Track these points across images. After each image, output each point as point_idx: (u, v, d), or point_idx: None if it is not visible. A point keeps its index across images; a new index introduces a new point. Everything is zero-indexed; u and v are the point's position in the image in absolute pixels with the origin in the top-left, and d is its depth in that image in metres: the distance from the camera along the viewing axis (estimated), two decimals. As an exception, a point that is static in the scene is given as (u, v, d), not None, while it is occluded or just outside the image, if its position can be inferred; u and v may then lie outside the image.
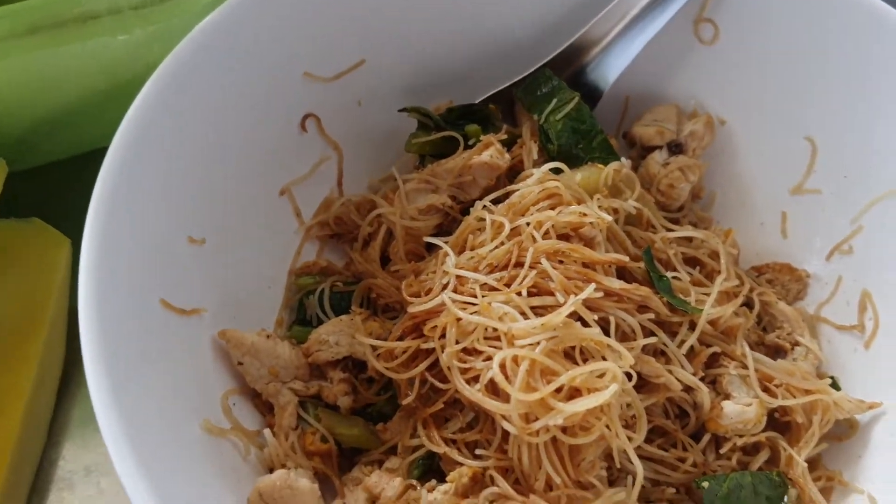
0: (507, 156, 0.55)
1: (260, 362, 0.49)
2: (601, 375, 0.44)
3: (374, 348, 0.50)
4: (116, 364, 0.40)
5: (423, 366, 0.49)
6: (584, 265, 0.50)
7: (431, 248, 0.56)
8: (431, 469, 0.49)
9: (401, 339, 0.50)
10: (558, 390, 0.43)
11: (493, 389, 0.45)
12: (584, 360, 0.46)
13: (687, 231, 0.57)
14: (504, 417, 0.44)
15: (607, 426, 0.44)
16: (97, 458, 0.56)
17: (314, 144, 0.57)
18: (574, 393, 0.44)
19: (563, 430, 0.44)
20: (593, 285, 0.46)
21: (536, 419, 0.43)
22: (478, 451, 0.46)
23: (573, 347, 0.46)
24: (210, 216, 0.50)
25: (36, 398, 0.54)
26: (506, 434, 0.46)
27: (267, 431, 0.48)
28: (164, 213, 0.47)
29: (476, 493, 0.45)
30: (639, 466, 0.44)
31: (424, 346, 0.49)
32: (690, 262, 0.57)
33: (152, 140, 0.47)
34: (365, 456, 0.51)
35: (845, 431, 0.55)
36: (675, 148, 0.60)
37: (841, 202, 0.58)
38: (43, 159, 0.65)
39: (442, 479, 0.47)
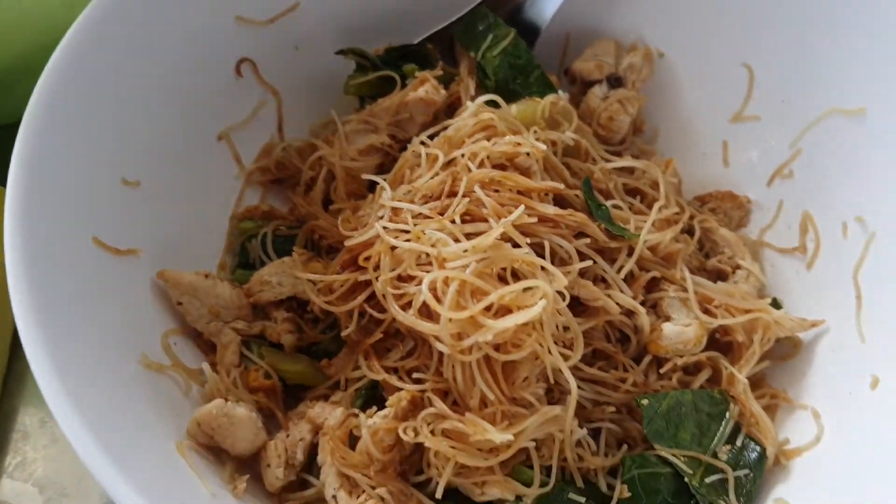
0: (442, 91, 0.56)
1: (200, 302, 0.50)
2: (533, 294, 0.45)
3: (315, 283, 0.51)
4: (44, 301, 0.40)
5: (361, 298, 0.49)
6: (520, 193, 0.50)
7: (374, 188, 0.56)
8: (374, 399, 0.49)
9: (339, 273, 0.51)
10: (488, 309, 0.44)
11: (426, 313, 0.45)
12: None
13: (626, 161, 0.57)
14: (437, 338, 0.44)
15: (540, 343, 0.44)
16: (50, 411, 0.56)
17: (251, 89, 0.57)
18: (505, 312, 0.44)
19: (497, 348, 0.44)
20: (523, 207, 0.47)
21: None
22: (416, 376, 0.47)
23: (505, 270, 0.46)
24: (144, 159, 0.50)
25: (-15, 352, 0.54)
26: (442, 357, 0.46)
27: (206, 365, 0.48)
28: (94, 155, 0.47)
29: (415, 416, 0.45)
30: (572, 382, 0.45)
31: (362, 278, 0.49)
32: (632, 193, 0.58)
33: (80, 83, 0.47)
34: (310, 392, 0.51)
35: (789, 351, 0.55)
36: (615, 81, 0.60)
37: (780, 127, 0.59)
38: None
39: (384, 408, 0.48)
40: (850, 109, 0.55)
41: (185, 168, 0.53)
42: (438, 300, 0.44)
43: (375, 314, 0.48)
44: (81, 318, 0.42)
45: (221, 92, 0.55)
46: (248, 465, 0.46)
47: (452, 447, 0.44)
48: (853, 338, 0.52)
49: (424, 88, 0.55)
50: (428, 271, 0.45)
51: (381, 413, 0.46)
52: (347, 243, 0.50)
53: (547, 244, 0.48)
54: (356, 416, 0.47)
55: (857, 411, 0.49)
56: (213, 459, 0.45)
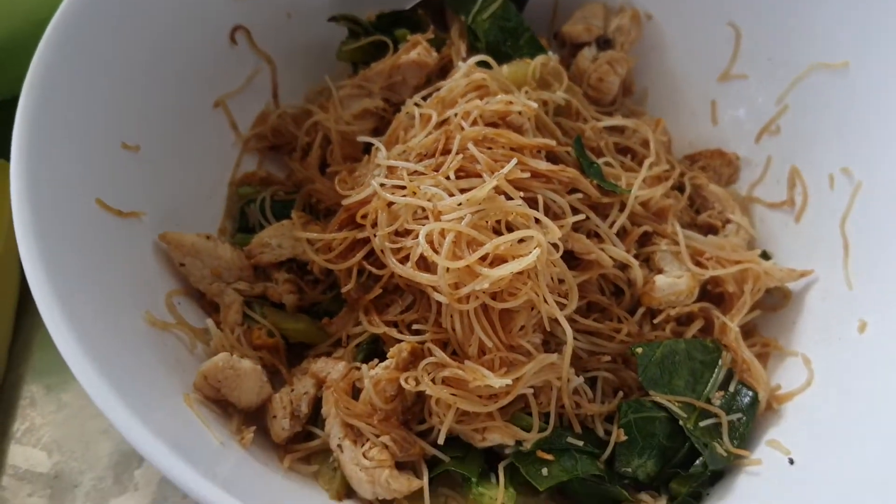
0: (434, 53, 0.56)
1: (202, 262, 0.51)
2: (527, 245, 0.46)
3: (314, 243, 0.52)
4: (53, 263, 0.40)
5: (359, 255, 0.50)
6: (512, 150, 0.51)
7: (370, 151, 0.57)
8: (375, 353, 0.50)
9: (338, 232, 0.52)
10: (484, 259, 0.45)
11: (423, 266, 0.46)
12: (512, 234, 0.48)
13: (616, 120, 0.58)
14: (435, 289, 0.45)
15: (535, 292, 0.45)
16: (57, 378, 0.57)
17: (246, 57, 0.58)
18: (500, 261, 0.45)
19: (494, 296, 0.45)
20: (515, 160, 0.48)
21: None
22: (416, 328, 0.48)
23: (500, 223, 0.47)
24: (143, 124, 0.50)
25: (-8, 319, 0.55)
26: (440, 309, 0.47)
27: (210, 322, 0.49)
28: (94, 120, 0.47)
29: (416, 366, 0.46)
30: (568, 330, 0.46)
31: (360, 235, 0.50)
32: (622, 151, 0.59)
33: (77, 51, 0.48)
34: (313, 350, 0.53)
35: (780, 302, 0.57)
36: (604, 43, 0.61)
37: (767, 84, 0.60)
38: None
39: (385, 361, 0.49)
40: (833, 64, 0.56)
41: (184, 134, 0.54)
42: (435, 251, 0.45)
43: (374, 270, 0.49)
44: (90, 277, 0.43)
45: (216, 60, 0.56)
46: (253, 419, 0.47)
47: (453, 394, 0.45)
48: (841, 286, 0.53)
49: (416, 51, 0.56)
50: (424, 225, 0.46)
51: (383, 364, 0.47)
52: (345, 202, 0.51)
53: (540, 199, 0.49)
54: (358, 369, 0.48)
55: (845, 355, 0.51)
56: (220, 412, 0.46)
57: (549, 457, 0.46)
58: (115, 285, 0.45)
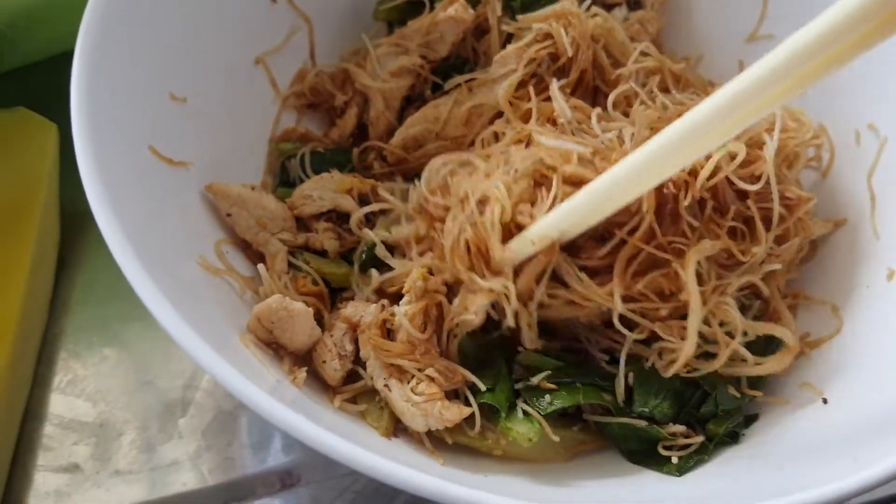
0: (471, 10, 0.57)
1: (248, 212, 0.51)
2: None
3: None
4: (117, 196, 0.41)
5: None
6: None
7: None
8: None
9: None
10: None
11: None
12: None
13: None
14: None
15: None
16: (98, 334, 0.58)
17: (285, 15, 0.58)
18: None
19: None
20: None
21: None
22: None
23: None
24: (189, 77, 0.51)
25: (35, 275, 0.56)
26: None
27: (261, 267, 0.50)
28: (145, 69, 0.48)
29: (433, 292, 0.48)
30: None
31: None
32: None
33: (125, 7, 0.48)
34: (344, 293, 0.54)
35: (808, 254, 0.58)
36: (635, 4, 0.63)
37: (793, 45, 0.61)
38: (23, 59, 0.65)
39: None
40: (860, 22, 0.58)
41: (227, 89, 0.54)
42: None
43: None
44: (151, 222, 0.44)
45: (257, 17, 0.57)
46: (302, 362, 0.48)
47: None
48: (868, 236, 0.55)
49: (454, 7, 0.56)
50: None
51: (405, 300, 0.48)
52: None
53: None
54: (384, 308, 0.49)
55: (873, 301, 0.52)
56: (272, 355, 0.47)
57: (553, 386, 0.47)
58: (172, 231, 0.46)
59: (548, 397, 0.47)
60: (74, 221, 0.61)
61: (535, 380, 0.47)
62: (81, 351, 0.57)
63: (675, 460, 0.47)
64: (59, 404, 0.55)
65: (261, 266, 0.50)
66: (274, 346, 0.47)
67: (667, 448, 0.48)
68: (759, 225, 0.49)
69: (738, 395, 0.49)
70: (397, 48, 0.58)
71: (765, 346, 0.51)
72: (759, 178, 0.48)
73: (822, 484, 0.36)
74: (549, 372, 0.48)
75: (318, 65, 0.60)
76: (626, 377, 0.48)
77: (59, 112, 0.57)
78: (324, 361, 0.48)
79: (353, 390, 0.48)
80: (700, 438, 0.48)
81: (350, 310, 0.50)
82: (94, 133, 0.42)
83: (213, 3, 0.54)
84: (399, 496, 0.54)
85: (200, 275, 0.46)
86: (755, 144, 0.50)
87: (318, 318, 0.51)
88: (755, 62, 0.37)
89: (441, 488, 0.34)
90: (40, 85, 0.61)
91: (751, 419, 0.51)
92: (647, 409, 0.48)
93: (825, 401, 0.49)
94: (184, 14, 0.52)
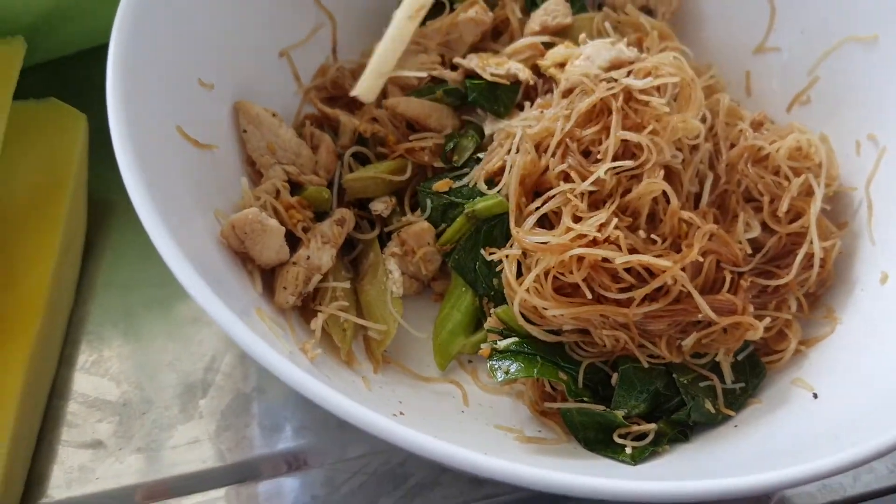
0: (490, 13, 0.59)
1: (261, 134, 0.54)
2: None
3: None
4: (149, 176, 0.42)
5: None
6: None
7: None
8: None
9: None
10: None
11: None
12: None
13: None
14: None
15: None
16: (122, 315, 0.60)
17: (310, 11, 0.60)
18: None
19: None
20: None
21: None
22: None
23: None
24: (216, 65, 0.53)
25: (63, 258, 0.58)
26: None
27: (244, 179, 0.52)
28: (177, 56, 0.50)
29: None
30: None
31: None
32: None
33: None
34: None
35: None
36: (646, 13, 0.65)
37: (799, 57, 0.64)
38: (57, 52, 0.67)
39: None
40: (863, 37, 0.60)
41: (252, 79, 0.56)
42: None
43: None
44: (178, 195, 0.46)
45: (284, 12, 0.58)
46: (267, 279, 0.51)
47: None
48: (865, 242, 0.57)
49: (474, 10, 0.58)
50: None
51: None
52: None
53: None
54: None
55: (867, 303, 0.55)
56: (240, 265, 0.49)
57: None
58: (198, 209, 0.48)
59: (506, 365, 0.49)
60: (101, 208, 0.63)
61: (500, 344, 0.50)
62: (106, 334, 0.59)
63: (628, 450, 0.48)
64: (84, 383, 0.57)
65: (243, 178, 0.52)
66: (242, 257, 0.49)
67: (621, 437, 0.49)
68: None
69: (713, 410, 0.50)
70: (417, 46, 0.60)
71: (750, 368, 0.53)
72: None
73: (804, 462, 0.38)
74: (516, 339, 0.50)
75: (339, 60, 0.62)
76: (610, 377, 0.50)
77: (88, 102, 0.59)
78: (284, 287, 0.50)
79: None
80: (653, 426, 0.49)
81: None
82: (127, 111, 0.44)
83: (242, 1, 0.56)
84: (410, 478, 0.56)
85: (223, 252, 0.48)
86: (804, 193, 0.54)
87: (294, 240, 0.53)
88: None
89: (461, 455, 0.35)
90: (71, 77, 0.63)
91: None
92: (625, 410, 0.49)
93: (816, 395, 0.52)
94: (214, 6, 0.54)
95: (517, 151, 0.51)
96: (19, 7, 0.60)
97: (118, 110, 0.43)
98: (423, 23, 0.62)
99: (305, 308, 0.53)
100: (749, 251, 0.52)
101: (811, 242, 0.53)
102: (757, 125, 0.58)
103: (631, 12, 0.62)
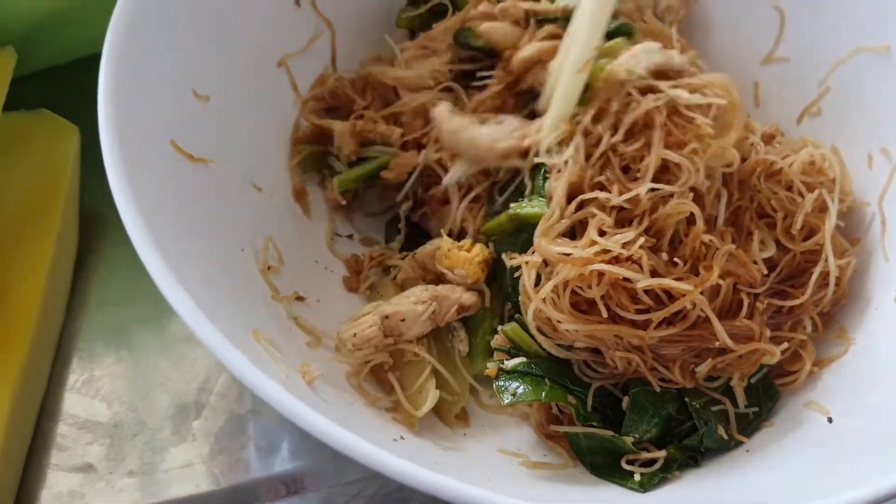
0: (498, 7, 0.57)
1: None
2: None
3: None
4: (139, 189, 0.41)
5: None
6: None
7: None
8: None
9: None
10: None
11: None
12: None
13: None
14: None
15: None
16: (114, 335, 0.58)
17: (308, 20, 0.59)
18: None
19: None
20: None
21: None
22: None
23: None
24: (212, 76, 0.51)
25: (54, 273, 0.56)
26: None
27: None
28: (170, 66, 0.48)
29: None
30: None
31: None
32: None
33: (154, 7, 0.48)
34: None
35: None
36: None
37: (809, 67, 0.62)
38: (46, 62, 0.65)
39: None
40: (875, 47, 0.58)
41: (249, 90, 0.55)
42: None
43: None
44: (169, 211, 0.44)
45: (281, 20, 0.57)
46: None
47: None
48: (879, 258, 0.56)
49: (483, 4, 0.57)
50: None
51: None
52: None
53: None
54: None
55: (881, 323, 0.53)
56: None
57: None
58: (191, 226, 0.46)
59: (514, 387, 0.47)
60: (94, 223, 0.61)
61: (508, 364, 0.48)
62: (97, 351, 0.57)
63: (637, 477, 0.47)
64: (75, 404, 0.55)
65: None
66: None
67: (630, 463, 0.47)
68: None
69: (725, 436, 0.49)
70: (424, 51, 0.58)
71: (764, 391, 0.52)
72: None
73: (823, 497, 0.37)
74: (524, 360, 0.48)
75: (338, 70, 0.61)
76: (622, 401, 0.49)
77: (80, 114, 0.58)
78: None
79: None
80: (662, 453, 0.48)
81: None
82: (119, 128, 0.42)
83: (237, 5, 0.54)
84: (410, 502, 0.54)
85: (219, 270, 0.47)
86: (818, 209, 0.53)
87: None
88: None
89: (456, 490, 0.34)
90: (62, 87, 0.62)
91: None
92: (637, 436, 0.48)
93: (830, 420, 0.50)
94: (209, 15, 0.52)
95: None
96: (10, 16, 0.58)
97: (109, 127, 0.42)
98: (429, 26, 0.60)
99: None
100: (765, 271, 0.50)
101: (826, 260, 0.52)
102: (769, 138, 0.56)
103: (651, 20, 0.60)
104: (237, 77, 0.53)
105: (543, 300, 0.47)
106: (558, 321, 0.47)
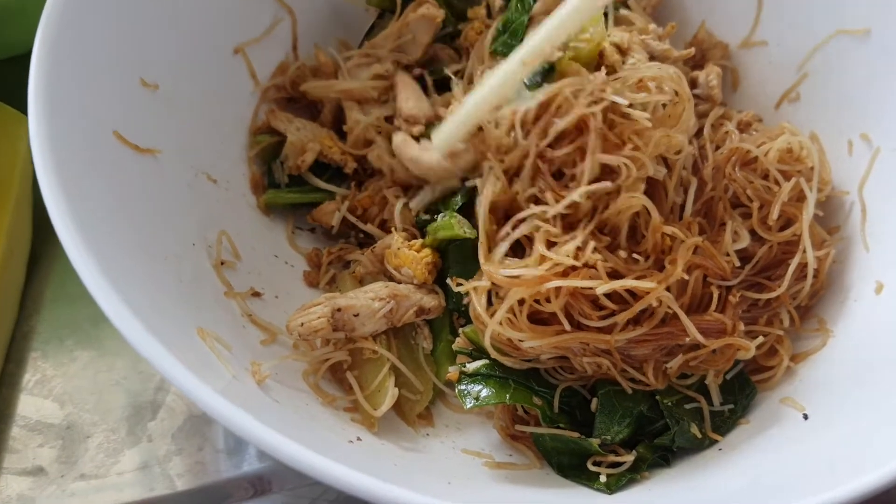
0: (441, 10, 0.56)
1: None
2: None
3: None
4: (70, 186, 0.39)
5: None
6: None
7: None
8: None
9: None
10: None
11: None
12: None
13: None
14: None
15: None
16: (69, 333, 0.56)
17: (267, 5, 0.57)
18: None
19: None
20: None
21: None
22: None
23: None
24: (162, 64, 0.49)
25: (6, 269, 0.54)
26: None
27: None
28: (112, 53, 0.46)
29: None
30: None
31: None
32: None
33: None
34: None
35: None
36: (622, 4, 0.61)
37: (787, 52, 0.60)
38: (-1, 55, 0.63)
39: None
40: (854, 30, 0.56)
41: (203, 78, 0.53)
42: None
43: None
44: (106, 204, 0.42)
45: (238, 5, 0.55)
46: None
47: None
48: (859, 248, 0.54)
49: (425, 7, 0.55)
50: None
51: None
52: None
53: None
54: None
55: (861, 315, 0.51)
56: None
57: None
58: (135, 217, 0.44)
59: (477, 390, 0.46)
60: (48, 217, 0.58)
61: (469, 367, 0.47)
62: (51, 350, 0.55)
63: (603, 478, 0.45)
64: (27, 405, 0.53)
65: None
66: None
67: (596, 465, 0.46)
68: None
69: (699, 435, 0.47)
70: (368, 58, 0.57)
71: (739, 388, 0.50)
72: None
73: (799, 497, 0.35)
74: (486, 361, 0.47)
75: (300, 58, 0.59)
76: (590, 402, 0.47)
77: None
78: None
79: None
80: (631, 457, 0.46)
81: None
82: (50, 119, 0.41)
83: (193, -8, 0.52)
84: None
85: (164, 267, 0.45)
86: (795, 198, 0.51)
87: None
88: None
89: (400, 497, 0.32)
90: (15, 79, 0.59)
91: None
92: (608, 437, 0.46)
93: (806, 416, 0.48)
94: (159, 0, 0.50)
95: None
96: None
97: (39, 117, 0.40)
98: (392, 13, 0.58)
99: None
100: (737, 263, 0.48)
101: (804, 251, 0.50)
102: (745, 126, 0.54)
103: (634, 6, 0.58)
104: (190, 65, 0.51)
105: (500, 323, 0.45)
106: (520, 340, 0.45)
